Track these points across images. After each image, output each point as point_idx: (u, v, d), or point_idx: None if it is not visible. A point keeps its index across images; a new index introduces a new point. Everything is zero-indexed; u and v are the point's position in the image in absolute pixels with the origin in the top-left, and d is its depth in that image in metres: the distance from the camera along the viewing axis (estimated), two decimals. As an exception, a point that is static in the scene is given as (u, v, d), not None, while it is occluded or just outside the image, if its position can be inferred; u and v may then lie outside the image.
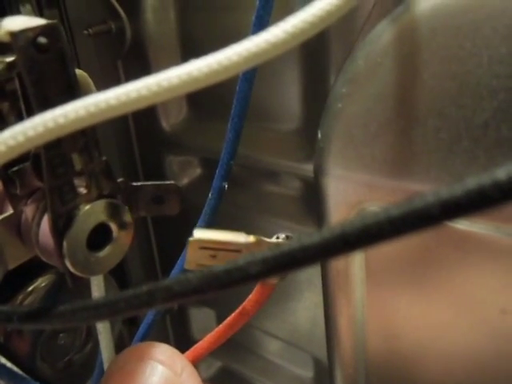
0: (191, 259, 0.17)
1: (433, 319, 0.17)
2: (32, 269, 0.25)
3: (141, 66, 0.30)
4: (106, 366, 0.23)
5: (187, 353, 0.22)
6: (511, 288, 0.15)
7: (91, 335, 0.26)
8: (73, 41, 0.28)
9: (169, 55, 0.29)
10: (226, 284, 0.10)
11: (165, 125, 0.31)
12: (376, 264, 0.17)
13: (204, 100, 0.29)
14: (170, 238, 0.35)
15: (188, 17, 0.28)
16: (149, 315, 0.24)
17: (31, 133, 0.11)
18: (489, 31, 0.13)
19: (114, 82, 0.31)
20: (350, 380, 0.22)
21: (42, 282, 0.25)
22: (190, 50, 0.28)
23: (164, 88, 0.11)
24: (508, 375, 0.17)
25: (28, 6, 0.27)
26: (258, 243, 0.17)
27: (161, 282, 0.11)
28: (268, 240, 0.18)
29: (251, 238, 0.17)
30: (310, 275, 0.30)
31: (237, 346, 0.41)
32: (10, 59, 0.14)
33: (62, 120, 0.11)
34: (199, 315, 0.41)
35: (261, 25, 0.18)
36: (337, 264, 0.17)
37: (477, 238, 0.14)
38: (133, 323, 0.38)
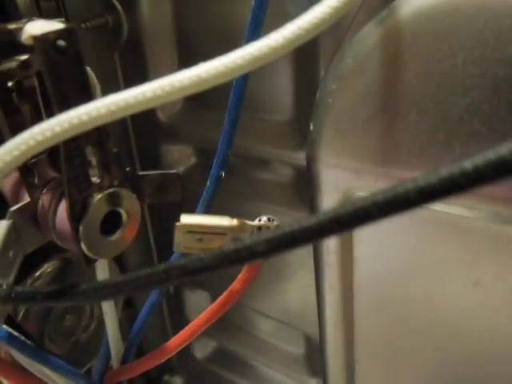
0: (179, 242, 0.18)
1: (416, 293, 0.19)
2: (38, 255, 0.26)
3: (137, 58, 0.31)
4: (111, 343, 0.25)
5: (182, 331, 0.23)
6: (482, 262, 0.16)
7: (94, 316, 0.28)
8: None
9: (164, 48, 0.30)
10: (235, 261, 0.12)
11: (161, 115, 0.32)
12: (364, 243, 0.19)
13: (199, 92, 0.30)
14: (166, 225, 0.36)
15: (183, 10, 0.29)
16: (150, 299, 0.25)
17: (57, 129, 0.13)
18: (464, 35, 0.14)
19: (111, 73, 0.32)
20: (339, 354, 0.24)
21: (47, 268, 0.27)
22: (186, 42, 0.29)
23: (176, 88, 0.13)
24: (482, 343, 0.19)
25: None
26: (241, 226, 0.18)
27: (176, 261, 0.13)
28: (250, 223, 0.19)
29: (235, 222, 0.18)
30: (301, 257, 0.32)
31: (231, 326, 0.42)
32: (23, 57, 0.16)
33: (85, 117, 0.13)
34: (194, 297, 0.43)
35: (256, 24, 0.19)
36: (328, 244, 0.19)
37: (451, 218, 0.16)
38: (129, 306, 0.40)
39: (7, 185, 0.18)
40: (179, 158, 0.33)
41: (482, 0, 0.14)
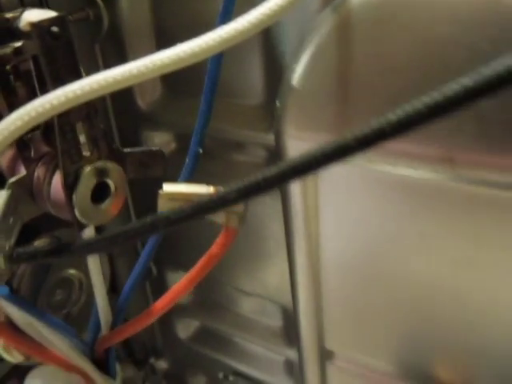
0: (162, 209, 0.20)
1: (373, 251, 0.22)
2: (28, 233, 0.28)
3: (117, 50, 0.32)
4: (100, 313, 0.27)
5: (165, 295, 0.25)
6: (426, 215, 0.19)
7: (83, 289, 0.30)
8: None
9: (143, 40, 0.32)
10: (212, 209, 0.14)
11: (141, 103, 0.34)
12: (327, 208, 0.21)
13: (177, 79, 0.32)
14: (148, 207, 0.38)
15: (160, 5, 0.31)
16: (129, 281, 0.27)
17: (55, 102, 0.15)
18: (403, 21, 0.17)
19: (92, 64, 0.33)
20: (310, 313, 0.26)
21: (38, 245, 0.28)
22: (163, 35, 0.31)
23: (157, 66, 0.15)
24: (431, 293, 0.22)
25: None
26: (217, 192, 0.20)
27: (161, 213, 0.15)
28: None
29: (211, 189, 0.20)
30: (277, 234, 0.35)
31: (213, 304, 0.44)
32: (18, 44, 0.18)
33: (79, 92, 0.15)
34: (176, 279, 0.45)
35: (226, 14, 0.21)
36: (295, 206, 0.21)
37: (398, 178, 0.18)
38: (114, 291, 0.41)
39: (4, 160, 0.20)
40: (159, 143, 0.35)
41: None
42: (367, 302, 0.24)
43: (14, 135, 0.15)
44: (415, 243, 0.20)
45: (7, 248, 0.17)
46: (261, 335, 0.43)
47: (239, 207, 0.20)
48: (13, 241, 0.18)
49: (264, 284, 0.38)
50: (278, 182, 0.13)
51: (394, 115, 0.12)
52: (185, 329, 0.48)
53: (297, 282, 0.25)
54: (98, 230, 0.24)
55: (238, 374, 0.47)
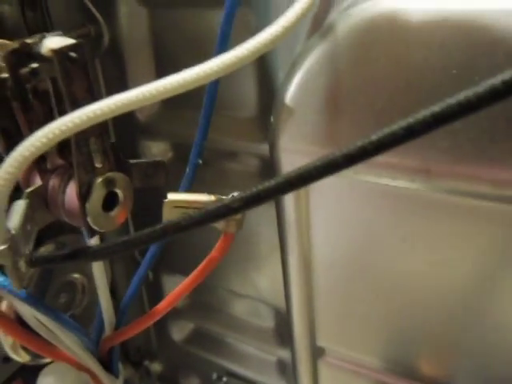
0: (167, 217, 0.21)
1: (359, 252, 0.24)
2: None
3: (117, 65, 0.34)
4: (104, 314, 0.28)
5: (168, 296, 0.27)
6: (407, 222, 0.21)
7: (86, 292, 0.31)
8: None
9: (142, 56, 0.34)
10: (217, 216, 0.16)
11: (139, 116, 0.36)
12: (317, 214, 0.23)
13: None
14: (146, 215, 0.39)
15: (159, 23, 0.32)
16: (132, 283, 0.29)
17: (77, 120, 0.16)
18: (385, 45, 0.19)
19: (93, 78, 0.35)
20: (302, 309, 0.28)
21: (44, 252, 0.30)
22: (161, 51, 0.33)
23: (163, 90, 0.17)
24: (413, 291, 0.24)
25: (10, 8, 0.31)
26: (217, 201, 0.22)
27: (171, 221, 0.17)
28: (225, 197, 0.23)
29: (212, 197, 0.22)
30: (269, 237, 0.36)
31: (207, 307, 0.46)
32: (34, 65, 0.19)
33: (98, 112, 0.16)
34: (172, 284, 0.46)
35: (223, 37, 0.23)
36: (289, 214, 0.23)
37: (380, 187, 0.20)
38: (113, 296, 0.43)
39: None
40: (156, 153, 0.37)
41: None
42: (356, 301, 0.26)
43: (39, 151, 0.16)
44: (398, 246, 0.22)
45: (27, 252, 0.19)
46: (253, 336, 0.45)
47: (238, 215, 0.22)
48: (31, 246, 0.19)
49: (256, 286, 0.40)
50: (277, 193, 0.15)
51: (375, 136, 0.14)
52: (179, 331, 0.50)
53: (290, 284, 0.27)
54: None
55: (231, 375, 0.49)
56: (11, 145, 0.18)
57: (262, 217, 0.34)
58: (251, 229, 0.36)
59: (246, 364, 0.47)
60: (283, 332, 0.42)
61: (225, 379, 0.50)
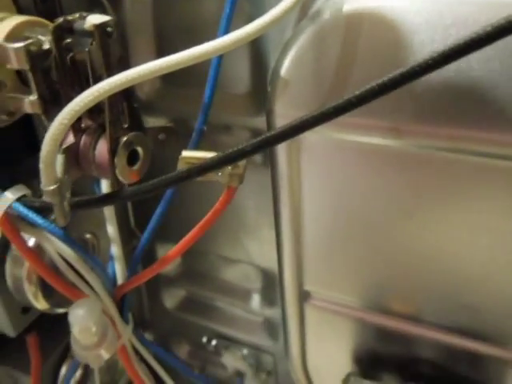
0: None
1: (344, 205, 0.28)
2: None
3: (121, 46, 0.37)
4: (116, 263, 0.32)
5: (177, 245, 0.30)
6: (385, 175, 0.26)
7: (96, 253, 0.35)
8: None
9: (144, 39, 0.37)
10: (234, 158, 0.20)
11: (140, 94, 0.39)
12: (307, 170, 0.28)
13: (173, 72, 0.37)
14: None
15: (160, 7, 0.36)
16: (144, 235, 0.32)
17: (113, 84, 0.20)
18: (366, 30, 0.23)
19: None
20: (293, 262, 0.32)
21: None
22: (163, 34, 0.37)
23: (173, 63, 0.21)
24: (400, 244, 0.29)
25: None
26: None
27: (195, 165, 0.21)
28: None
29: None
30: (258, 205, 0.41)
31: (198, 274, 0.50)
32: (68, 41, 0.23)
33: (129, 77, 0.20)
34: (165, 251, 0.50)
35: (227, 20, 0.27)
36: (282, 170, 0.28)
37: (365, 146, 0.25)
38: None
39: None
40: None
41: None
42: (339, 249, 0.31)
43: (86, 106, 0.20)
44: (377, 197, 0.27)
45: (68, 196, 0.22)
46: (242, 299, 0.49)
47: (240, 169, 0.26)
48: (69, 193, 0.23)
49: (246, 250, 0.44)
50: (279, 140, 0.19)
51: (358, 91, 0.18)
52: (171, 299, 0.53)
53: (282, 234, 0.31)
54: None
55: (221, 337, 0.53)
56: (49, 109, 0.22)
57: (252, 184, 0.37)
58: (241, 196, 0.40)
59: (235, 326, 0.51)
60: (269, 292, 0.47)
61: (214, 342, 0.54)
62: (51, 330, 0.37)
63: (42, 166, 0.20)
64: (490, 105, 0.22)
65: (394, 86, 0.17)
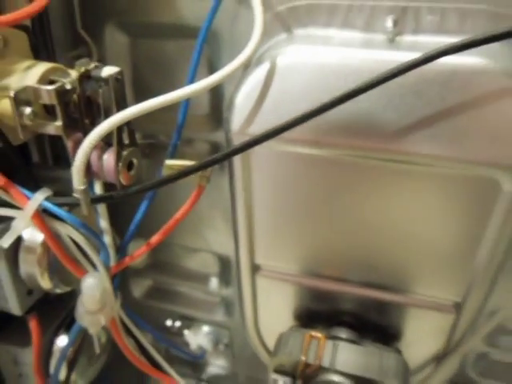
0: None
1: (283, 196, 0.39)
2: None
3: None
4: (109, 248, 0.40)
5: (159, 232, 0.39)
6: (314, 177, 0.37)
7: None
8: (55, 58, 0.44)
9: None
10: (207, 165, 0.30)
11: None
12: (256, 170, 0.38)
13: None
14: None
15: (136, 47, 0.45)
16: (131, 227, 0.41)
17: (128, 114, 0.29)
18: (301, 75, 0.34)
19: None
20: (246, 240, 0.43)
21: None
22: (137, 67, 0.46)
23: (162, 101, 0.30)
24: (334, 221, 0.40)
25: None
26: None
27: (173, 173, 0.30)
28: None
29: (193, 162, 0.36)
30: (216, 202, 0.50)
31: (163, 264, 0.58)
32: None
33: (134, 111, 0.29)
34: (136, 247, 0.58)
35: (194, 69, 0.37)
36: (237, 172, 0.38)
37: (293, 154, 0.36)
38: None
39: (70, 145, 0.33)
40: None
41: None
42: (282, 230, 0.41)
43: (107, 132, 0.29)
44: (308, 190, 0.38)
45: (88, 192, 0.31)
46: (201, 282, 0.57)
47: (208, 172, 0.35)
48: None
49: (206, 240, 0.53)
50: (232, 155, 0.30)
51: (298, 115, 0.29)
52: (139, 289, 0.61)
53: (237, 223, 0.41)
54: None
55: (184, 318, 0.61)
56: (68, 132, 0.31)
57: (208, 187, 0.47)
58: (203, 196, 0.49)
59: (196, 307, 0.59)
60: (226, 274, 0.56)
61: (178, 323, 0.62)
62: (45, 313, 0.45)
63: (74, 171, 0.29)
64: (374, 125, 0.34)
65: (312, 115, 0.28)
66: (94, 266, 0.38)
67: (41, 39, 0.42)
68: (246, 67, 0.37)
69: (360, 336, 0.43)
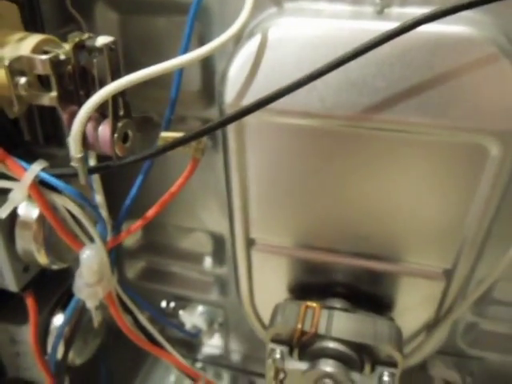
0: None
1: (276, 169, 0.40)
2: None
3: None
4: (106, 221, 0.41)
5: (155, 205, 0.40)
6: (306, 147, 0.37)
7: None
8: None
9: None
10: (199, 135, 0.31)
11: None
12: (250, 141, 0.39)
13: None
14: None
15: (126, 24, 0.45)
16: (126, 201, 0.42)
17: (122, 83, 0.30)
18: (290, 48, 0.35)
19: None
20: (241, 215, 0.43)
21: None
22: (128, 45, 0.46)
23: (155, 71, 0.31)
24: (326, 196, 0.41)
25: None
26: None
27: (169, 142, 0.31)
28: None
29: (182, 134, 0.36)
30: (209, 181, 0.51)
31: (157, 245, 0.58)
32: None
33: (128, 80, 0.30)
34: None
35: (187, 41, 0.37)
36: (231, 145, 0.38)
37: (285, 125, 0.37)
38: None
39: (65, 117, 0.33)
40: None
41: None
42: (276, 204, 0.42)
43: (102, 100, 0.29)
44: (300, 162, 0.38)
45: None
46: (196, 261, 0.58)
47: (202, 144, 0.36)
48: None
49: (200, 218, 0.54)
50: (224, 124, 0.30)
51: (288, 84, 0.29)
52: (132, 270, 0.61)
53: (232, 196, 0.42)
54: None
55: (178, 298, 0.62)
56: (63, 103, 0.31)
57: (201, 166, 0.47)
58: (194, 175, 0.49)
59: (191, 287, 0.60)
60: (219, 253, 0.57)
61: (173, 304, 0.62)
62: (41, 292, 0.45)
63: (71, 140, 0.29)
64: (364, 95, 0.35)
65: (303, 83, 0.29)
66: (90, 239, 0.38)
67: (31, 17, 0.42)
68: (238, 41, 0.38)
69: (354, 306, 0.44)
